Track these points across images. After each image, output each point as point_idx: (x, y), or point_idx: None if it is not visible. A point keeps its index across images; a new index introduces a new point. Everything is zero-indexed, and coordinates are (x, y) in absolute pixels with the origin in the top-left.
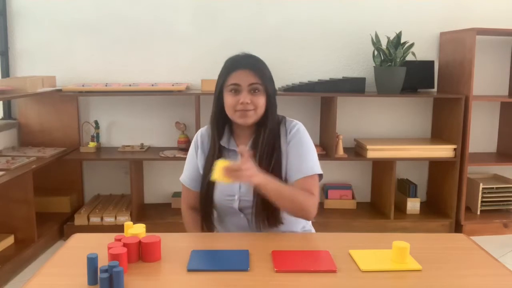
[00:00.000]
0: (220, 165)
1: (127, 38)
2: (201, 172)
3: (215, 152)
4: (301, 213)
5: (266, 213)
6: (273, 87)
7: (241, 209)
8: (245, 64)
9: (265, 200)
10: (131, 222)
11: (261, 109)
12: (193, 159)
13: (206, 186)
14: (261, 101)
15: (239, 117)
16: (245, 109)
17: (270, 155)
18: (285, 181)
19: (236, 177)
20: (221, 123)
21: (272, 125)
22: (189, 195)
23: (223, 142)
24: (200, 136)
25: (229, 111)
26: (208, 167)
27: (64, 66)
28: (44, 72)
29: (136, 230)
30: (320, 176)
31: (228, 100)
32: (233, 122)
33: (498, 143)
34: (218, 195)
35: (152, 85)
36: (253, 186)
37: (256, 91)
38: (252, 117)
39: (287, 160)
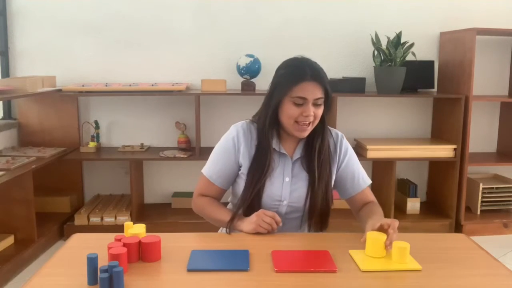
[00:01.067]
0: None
1: (127, 38)
2: (242, 171)
3: (268, 155)
4: None
5: (316, 218)
6: (331, 97)
7: (286, 213)
8: (312, 76)
9: (316, 205)
10: (131, 222)
11: (318, 121)
12: (229, 156)
13: (256, 189)
14: (321, 113)
15: (297, 129)
16: (306, 122)
17: (327, 164)
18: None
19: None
20: (274, 126)
21: (327, 135)
22: (211, 189)
23: (274, 145)
24: (243, 134)
25: (288, 121)
26: (258, 168)
27: (64, 66)
28: (44, 72)
29: (136, 230)
30: None
31: (290, 111)
32: (280, 125)
33: (498, 143)
34: (266, 199)
35: (152, 85)
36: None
37: (319, 104)
38: (308, 131)
39: (345, 172)
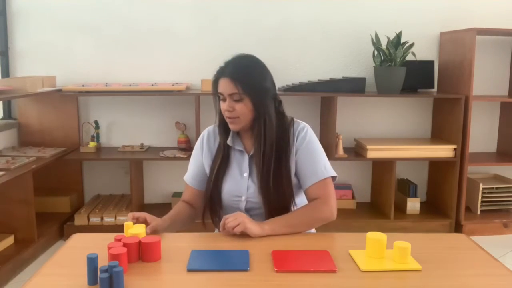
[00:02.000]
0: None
1: (127, 38)
2: (207, 171)
3: (224, 152)
4: (321, 223)
5: (276, 214)
6: (261, 92)
7: (247, 210)
8: (226, 72)
9: (273, 201)
10: (131, 222)
11: (245, 116)
12: (198, 158)
13: (213, 186)
14: (242, 109)
15: (229, 123)
16: (230, 117)
17: (277, 158)
18: (297, 182)
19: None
20: (226, 123)
21: (270, 130)
22: (189, 192)
23: (230, 142)
24: (207, 135)
25: (223, 117)
26: (215, 166)
27: (64, 66)
28: (44, 72)
29: (136, 230)
30: (334, 177)
31: (220, 107)
32: None
33: (498, 143)
34: (225, 195)
35: (152, 85)
36: (259, 235)
37: (237, 100)
38: (239, 124)
39: (298, 164)
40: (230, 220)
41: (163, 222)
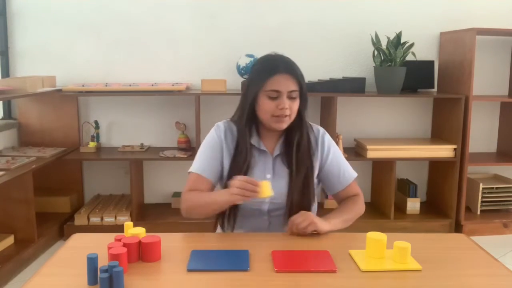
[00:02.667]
0: (266, 184)
1: (127, 38)
2: (226, 169)
3: (247, 152)
4: (359, 216)
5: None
6: (306, 91)
7: (269, 211)
8: (285, 68)
9: (298, 203)
10: (131, 222)
11: (295, 114)
12: (218, 151)
13: None
14: (297, 106)
15: (275, 122)
16: (282, 115)
17: (307, 159)
18: (317, 183)
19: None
20: (251, 123)
21: (307, 129)
22: (203, 183)
23: (254, 141)
24: (224, 131)
25: (265, 115)
26: (242, 166)
27: (64, 66)
28: (44, 72)
29: (136, 230)
30: None
31: (266, 105)
32: (260, 122)
33: (498, 143)
34: None
35: (152, 85)
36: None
37: (294, 97)
38: (287, 123)
39: (328, 170)
40: (300, 221)
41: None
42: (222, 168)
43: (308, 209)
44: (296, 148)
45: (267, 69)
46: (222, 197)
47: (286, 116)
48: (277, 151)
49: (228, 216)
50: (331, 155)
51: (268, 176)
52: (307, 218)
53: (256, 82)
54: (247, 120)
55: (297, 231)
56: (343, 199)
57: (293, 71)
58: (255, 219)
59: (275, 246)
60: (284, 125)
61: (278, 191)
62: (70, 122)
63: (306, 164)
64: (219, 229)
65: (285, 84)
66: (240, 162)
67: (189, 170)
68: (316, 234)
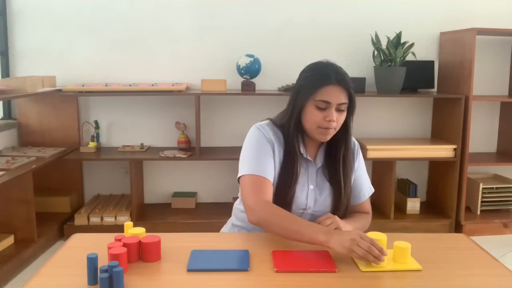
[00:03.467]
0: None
1: (127, 38)
2: (277, 176)
3: (297, 160)
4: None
5: None
6: (355, 102)
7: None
8: (337, 80)
9: (339, 215)
10: (131, 222)
11: (339, 126)
12: (270, 151)
13: (287, 195)
14: (343, 119)
15: (320, 133)
16: (328, 127)
17: (351, 175)
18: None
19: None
20: (299, 130)
21: (351, 142)
22: (268, 187)
23: (302, 150)
24: (272, 134)
25: (310, 125)
26: (287, 174)
27: (64, 66)
28: (44, 72)
29: (136, 230)
30: None
31: (313, 115)
32: (304, 130)
33: (498, 143)
34: (293, 207)
35: (152, 85)
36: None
37: (342, 110)
38: (331, 135)
39: (357, 181)
40: (329, 224)
41: None
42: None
43: (344, 217)
44: (343, 163)
45: (319, 78)
46: (319, 237)
47: (331, 128)
48: (319, 162)
49: None
50: (360, 169)
51: (312, 187)
52: (335, 222)
53: (306, 90)
54: (295, 128)
55: None
56: (354, 212)
57: (346, 83)
58: None
59: (275, 246)
60: (329, 137)
61: (322, 204)
62: (70, 122)
63: (351, 179)
64: (225, 229)
65: (337, 96)
66: (289, 170)
67: (244, 173)
68: None
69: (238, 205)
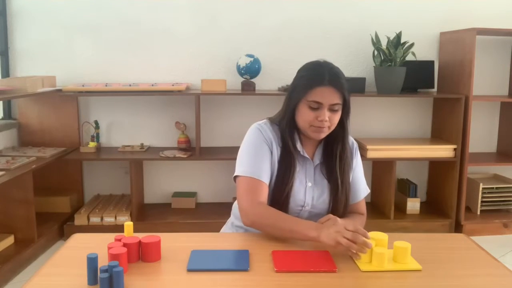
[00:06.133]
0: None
1: (127, 38)
2: (275, 174)
3: (293, 157)
4: None
5: None
6: (350, 104)
7: (307, 218)
8: (330, 81)
9: (338, 213)
10: (131, 222)
11: (335, 125)
12: (268, 152)
13: (284, 191)
14: (337, 118)
15: (312, 131)
16: (321, 126)
17: (348, 172)
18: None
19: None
20: (294, 127)
21: (348, 140)
22: (263, 189)
23: (299, 147)
24: (271, 134)
25: (303, 124)
26: (292, 172)
27: (64, 66)
28: (44, 72)
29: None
30: None
31: (305, 115)
32: (300, 129)
33: (498, 143)
34: (291, 204)
35: (152, 85)
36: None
37: (336, 110)
38: (325, 133)
39: (354, 181)
40: (329, 225)
41: None
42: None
43: (344, 215)
44: (339, 160)
45: (312, 78)
46: (310, 233)
47: (325, 127)
48: (316, 160)
49: None
50: (357, 169)
51: (310, 184)
52: (337, 224)
53: (299, 90)
54: (289, 125)
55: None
56: (350, 212)
57: (339, 84)
58: None
59: (275, 246)
60: (322, 135)
61: (320, 201)
62: (70, 122)
63: (348, 176)
64: (225, 229)
65: (328, 97)
66: (286, 167)
67: (240, 174)
68: None
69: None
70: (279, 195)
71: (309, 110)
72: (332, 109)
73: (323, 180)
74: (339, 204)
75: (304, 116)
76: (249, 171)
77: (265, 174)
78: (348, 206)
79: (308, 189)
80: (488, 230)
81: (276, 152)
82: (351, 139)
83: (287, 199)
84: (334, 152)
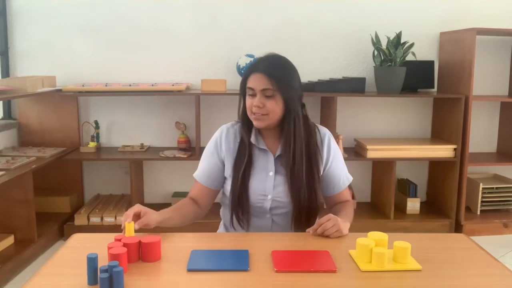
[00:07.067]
0: (128, 226)
1: (127, 38)
2: (228, 170)
3: (245, 150)
4: None
5: (303, 216)
6: (292, 92)
7: (271, 209)
8: (261, 68)
9: (304, 201)
10: (132, 222)
11: (274, 114)
12: (213, 156)
13: (241, 184)
14: (273, 106)
15: (254, 119)
16: (258, 113)
17: (307, 159)
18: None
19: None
20: (249, 121)
21: (299, 131)
22: (197, 189)
23: (253, 140)
24: (226, 133)
25: (248, 114)
26: (241, 165)
27: (64, 66)
28: (44, 72)
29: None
30: None
31: (247, 102)
32: None
33: (498, 143)
34: (251, 194)
35: (152, 85)
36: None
37: (269, 96)
38: (265, 122)
39: (330, 172)
40: (330, 226)
41: (159, 216)
42: (225, 169)
43: (315, 208)
44: (292, 151)
45: (249, 68)
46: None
47: (263, 115)
48: (279, 152)
49: (235, 212)
50: (332, 160)
51: (271, 173)
52: (336, 224)
53: (242, 80)
54: (243, 118)
55: (325, 234)
56: (335, 202)
57: (270, 70)
58: (258, 217)
59: (275, 246)
60: (261, 123)
61: (280, 189)
62: (70, 122)
63: (303, 166)
64: (221, 229)
65: (259, 82)
66: (239, 158)
67: (194, 174)
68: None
69: (221, 200)
70: (235, 184)
71: (249, 98)
72: (265, 95)
73: (283, 170)
74: (299, 192)
75: (246, 105)
76: (196, 174)
77: (204, 176)
78: (315, 199)
79: (269, 178)
80: (488, 230)
81: (230, 151)
82: (323, 130)
83: (244, 190)
84: (287, 144)
